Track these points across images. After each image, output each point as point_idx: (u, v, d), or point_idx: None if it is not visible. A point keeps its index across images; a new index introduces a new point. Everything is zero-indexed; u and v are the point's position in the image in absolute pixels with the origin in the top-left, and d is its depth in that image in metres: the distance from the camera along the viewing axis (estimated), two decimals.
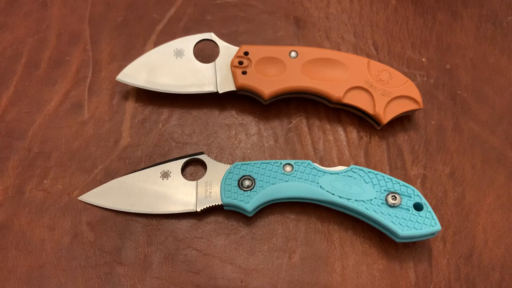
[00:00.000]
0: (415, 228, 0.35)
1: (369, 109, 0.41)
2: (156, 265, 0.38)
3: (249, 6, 0.51)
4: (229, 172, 0.39)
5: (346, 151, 0.43)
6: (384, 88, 0.41)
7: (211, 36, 0.44)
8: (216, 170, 0.39)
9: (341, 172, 0.38)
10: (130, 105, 0.45)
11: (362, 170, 0.38)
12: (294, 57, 0.42)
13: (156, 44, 0.48)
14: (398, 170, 0.42)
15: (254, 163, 0.39)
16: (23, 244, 0.38)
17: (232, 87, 0.43)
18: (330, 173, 0.38)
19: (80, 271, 0.37)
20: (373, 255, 0.38)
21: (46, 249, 0.38)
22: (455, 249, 0.38)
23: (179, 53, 0.44)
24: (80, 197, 0.40)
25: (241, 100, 0.45)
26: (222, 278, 0.37)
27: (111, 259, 0.38)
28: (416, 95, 0.42)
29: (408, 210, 0.36)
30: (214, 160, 0.40)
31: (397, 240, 0.37)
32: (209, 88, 0.43)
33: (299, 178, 0.38)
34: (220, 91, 0.43)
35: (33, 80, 0.46)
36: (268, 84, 0.42)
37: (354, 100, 0.42)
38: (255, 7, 0.51)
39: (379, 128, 0.43)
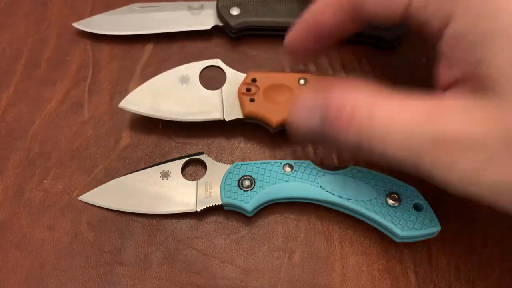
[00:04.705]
0: (415, 228, 0.35)
1: None
2: (156, 265, 0.38)
3: None
4: (229, 172, 0.39)
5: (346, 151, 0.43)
6: None
7: (217, 62, 0.44)
8: (216, 170, 0.39)
9: (341, 172, 0.38)
10: None
11: (362, 170, 0.38)
12: (302, 85, 0.41)
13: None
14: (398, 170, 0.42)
15: (254, 163, 0.39)
16: (23, 244, 0.38)
17: (239, 115, 0.41)
18: (330, 173, 0.38)
19: (80, 271, 0.37)
20: (373, 255, 0.38)
21: (46, 249, 0.38)
22: (455, 249, 0.38)
23: (184, 80, 0.43)
24: (80, 197, 0.40)
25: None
26: (222, 278, 0.37)
27: (111, 259, 0.38)
28: None
29: (408, 210, 0.36)
30: (214, 160, 0.40)
31: (397, 240, 0.36)
32: (215, 115, 0.41)
33: (299, 178, 0.38)
34: (227, 119, 0.41)
35: (33, 80, 0.46)
36: (276, 111, 0.40)
37: None
38: None
39: None
